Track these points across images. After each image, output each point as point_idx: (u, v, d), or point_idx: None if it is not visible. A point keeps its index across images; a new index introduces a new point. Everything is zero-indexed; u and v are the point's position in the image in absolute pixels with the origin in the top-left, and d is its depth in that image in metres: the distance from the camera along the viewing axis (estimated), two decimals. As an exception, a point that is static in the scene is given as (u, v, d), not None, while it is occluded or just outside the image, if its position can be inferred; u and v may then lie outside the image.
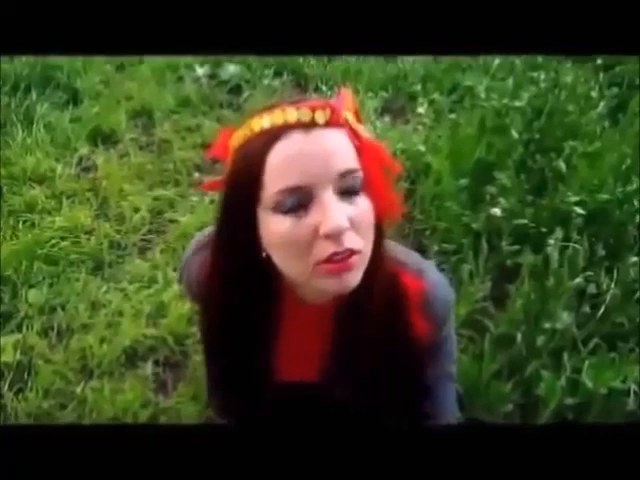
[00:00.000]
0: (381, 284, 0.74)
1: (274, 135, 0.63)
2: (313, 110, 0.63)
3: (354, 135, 0.65)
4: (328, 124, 0.63)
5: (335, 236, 0.62)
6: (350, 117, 0.65)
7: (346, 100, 0.67)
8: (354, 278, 0.65)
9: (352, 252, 0.64)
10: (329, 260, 0.63)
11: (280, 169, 0.62)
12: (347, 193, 0.64)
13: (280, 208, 0.63)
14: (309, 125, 0.62)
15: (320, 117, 0.63)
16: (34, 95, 2.36)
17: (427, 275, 0.81)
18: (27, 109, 2.30)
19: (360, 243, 0.64)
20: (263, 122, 0.64)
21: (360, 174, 0.64)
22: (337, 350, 0.80)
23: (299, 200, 0.63)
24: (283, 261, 0.68)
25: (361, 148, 0.65)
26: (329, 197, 0.62)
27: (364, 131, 0.66)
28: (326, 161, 0.62)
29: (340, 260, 0.63)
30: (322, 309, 0.77)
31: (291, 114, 0.63)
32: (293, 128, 0.63)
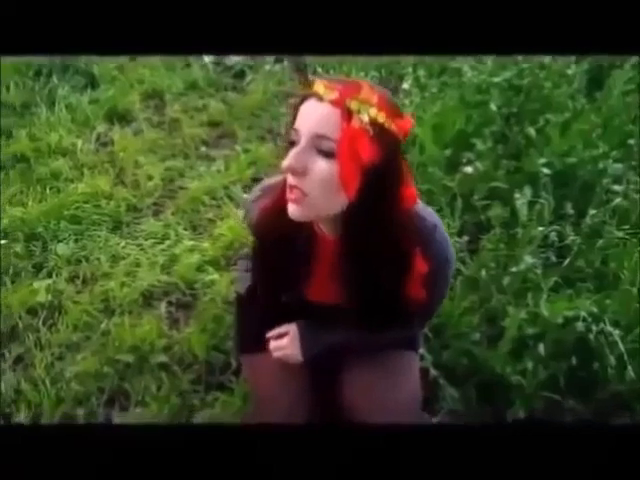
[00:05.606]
0: (385, 230, 0.92)
1: (304, 97, 0.90)
2: (326, 88, 0.86)
3: (347, 118, 0.84)
4: (332, 102, 0.85)
5: (287, 171, 0.86)
6: (356, 106, 0.85)
7: (357, 92, 0.86)
8: (297, 211, 0.88)
9: (301, 192, 0.86)
10: (289, 189, 0.88)
11: (297, 116, 0.89)
12: (321, 151, 0.85)
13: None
14: (320, 97, 0.86)
15: (328, 94, 0.86)
16: (55, 79, 2.58)
17: (439, 230, 1.02)
18: (50, 92, 2.52)
19: (309, 187, 0.86)
20: (305, 90, 0.91)
21: (332, 144, 0.85)
22: (344, 278, 1.00)
23: (294, 139, 0.87)
24: None
25: (345, 129, 0.85)
26: (301, 144, 0.86)
27: (361, 122, 0.85)
28: (313, 121, 0.86)
29: (292, 192, 0.87)
30: (335, 243, 0.98)
31: (316, 87, 0.88)
32: (312, 96, 0.87)
